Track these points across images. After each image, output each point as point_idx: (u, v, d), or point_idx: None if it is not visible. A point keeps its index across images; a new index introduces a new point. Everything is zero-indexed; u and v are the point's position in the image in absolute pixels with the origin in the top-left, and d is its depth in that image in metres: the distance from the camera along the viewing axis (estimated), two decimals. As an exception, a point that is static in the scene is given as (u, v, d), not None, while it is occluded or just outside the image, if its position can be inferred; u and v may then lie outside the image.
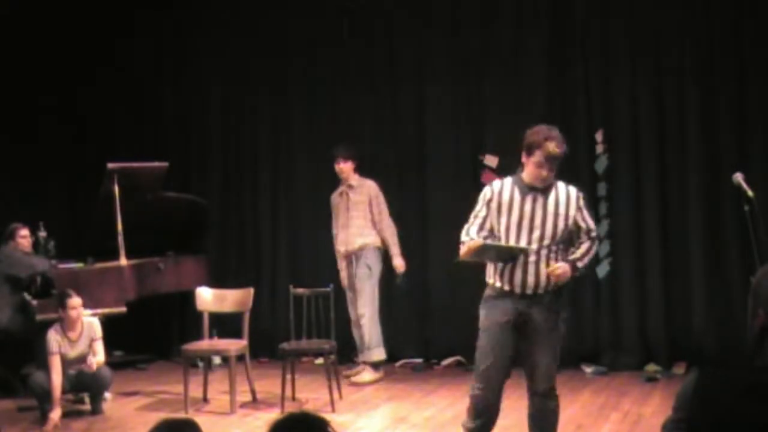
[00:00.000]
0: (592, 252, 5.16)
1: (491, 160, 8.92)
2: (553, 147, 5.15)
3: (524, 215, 5.08)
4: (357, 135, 9.23)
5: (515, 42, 8.84)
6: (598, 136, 8.59)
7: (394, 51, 9.24)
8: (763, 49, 8.03)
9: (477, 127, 9.00)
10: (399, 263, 8.45)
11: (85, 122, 9.96)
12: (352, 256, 8.45)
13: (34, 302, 7.95)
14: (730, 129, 8.21)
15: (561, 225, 5.05)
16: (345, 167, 8.43)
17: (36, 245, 8.42)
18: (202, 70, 9.79)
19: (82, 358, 7.26)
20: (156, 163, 8.61)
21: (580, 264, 5.07)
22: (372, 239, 8.42)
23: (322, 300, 7.65)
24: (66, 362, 7.22)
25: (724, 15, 8.18)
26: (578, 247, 5.11)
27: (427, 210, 9.16)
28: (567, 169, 8.65)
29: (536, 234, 5.02)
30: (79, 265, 8.40)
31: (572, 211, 5.10)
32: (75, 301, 7.24)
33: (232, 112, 9.71)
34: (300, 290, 7.93)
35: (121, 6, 9.80)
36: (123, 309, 8.13)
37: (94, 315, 7.74)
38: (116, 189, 8.17)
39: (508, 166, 8.82)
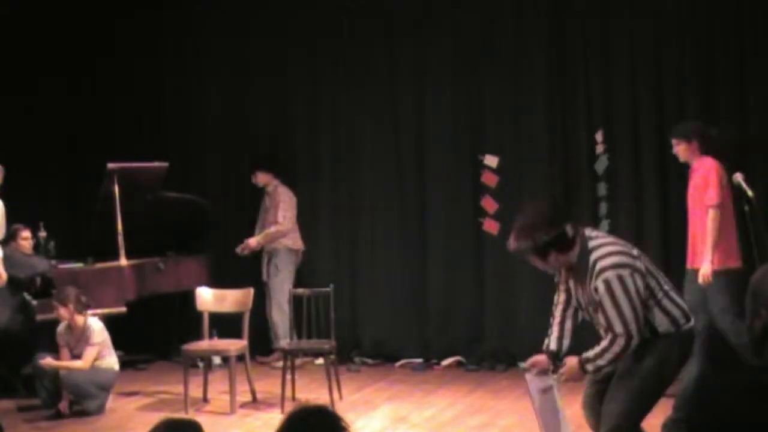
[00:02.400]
0: (613, 351, 4.41)
1: (491, 160, 8.92)
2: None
3: (570, 292, 4.75)
4: (357, 134, 9.23)
5: (515, 42, 8.83)
6: (598, 137, 8.58)
7: (393, 50, 9.23)
8: (763, 49, 8.02)
9: (477, 127, 8.99)
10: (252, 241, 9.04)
11: (86, 121, 9.94)
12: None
13: (35, 302, 7.97)
14: (732, 128, 8.19)
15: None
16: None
17: (36, 246, 8.42)
18: (203, 69, 9.78)
19: (78, 357, 7.40)
20: (156, 163, 8.62)
21: (589, 366, 4.48)
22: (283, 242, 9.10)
23: (322, 300, 7.65)
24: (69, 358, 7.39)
25: (724, 15, 8.18)
26: (598, 343, 4.51)
27: (426, 210, 9.15)
28: (568, 169, 8.74)
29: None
30: (79, 265, 8.40)
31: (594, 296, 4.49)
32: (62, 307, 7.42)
33: (231, 112, 9.70)
34: (299, 290, 7.93)
35: (122, 4, 9.80)
36: (123, 309, 8.14)
37: (93, 315, 7.78)
38: (116, 189, 8.17)
39: (508, 166, 8.91)
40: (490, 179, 8.94)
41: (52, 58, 9.71)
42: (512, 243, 4.50)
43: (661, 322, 4.41)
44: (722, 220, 6.77)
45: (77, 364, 7.37)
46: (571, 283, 4.59)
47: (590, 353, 4.44)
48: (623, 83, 8.50)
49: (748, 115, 8.12)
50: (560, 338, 4.69)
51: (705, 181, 6.79)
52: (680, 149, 7.03)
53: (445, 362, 9.03)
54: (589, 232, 4.52)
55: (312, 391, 7.89)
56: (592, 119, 8.61)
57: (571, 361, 4.51)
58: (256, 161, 9.25)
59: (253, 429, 6.95)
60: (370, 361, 9.09)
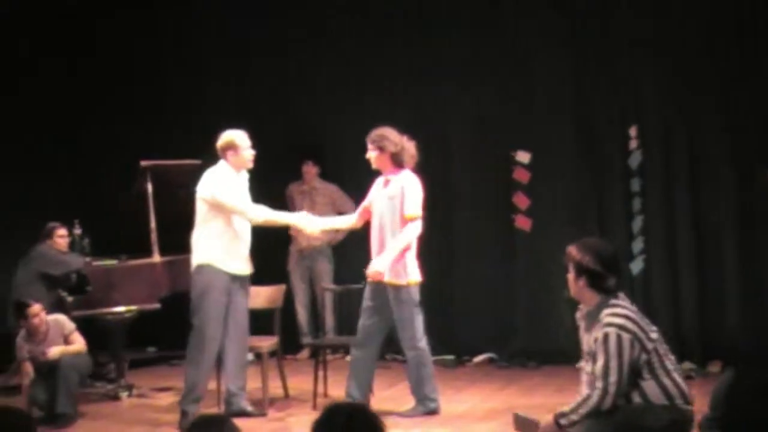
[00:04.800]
0: (587, 405, 4.41)
1: (523, 156, 8.89)
2: None
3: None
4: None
5: (547, 35, 8.81)
6: (632, 132, 8.54)
7: (423, 44, 9.22)
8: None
9: (508, 122, 8.96)
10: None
11: (120, 119, 10.00)
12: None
13: (70, 299, 8.05)
14: (763, 123, 8.14)
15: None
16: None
17: (72, 243, 8.50)
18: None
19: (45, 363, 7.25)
20: (188, 161, 8.65)
21: (563, 420, 4.45)
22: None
23: (356, 296, 7.65)
24: (41, 364, 7.22)
25: (756, 8, 8.10)
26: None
27: (458, 207, 9.14)
28: (601, 165, 8.69)
29: None
30: (113, 262, 8.46)
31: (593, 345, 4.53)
32: (35, 309, 7.26)
33: (251, 109, 9.67)
34: (332, 287, 7.95)
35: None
36: (156, 305, 8.19)
37: (125, 312, 7.88)
38: (149, 186, 8.22)
39: (541, 162, 8.88)
40: (522, 175, 8.91)
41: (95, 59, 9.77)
42: (571, 246, 4.66)
43: (654, 394, 4.42)
44: None
45: (75, 347, 7.30)
46: (582, 328, 4.66)
47: (566, 408, 4.48)
48: (657, 77, 8.46)
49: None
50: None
51: None
52: None
53: (477, 359, 9.03)
54: (622, 298, 4.57)
55: (344, 388, 7.88)
56: (626, 114, 8.57)
57: (546, 418, 4.54)
58: (308, 153, 9.26)
59: (286, 425, 6.97)
60: (401, 358, 9.06)
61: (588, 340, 4.56)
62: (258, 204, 7.05)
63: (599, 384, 4.37)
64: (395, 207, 6.77)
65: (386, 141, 6.83)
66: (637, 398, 4.42)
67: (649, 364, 4.42)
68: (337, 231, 8.27)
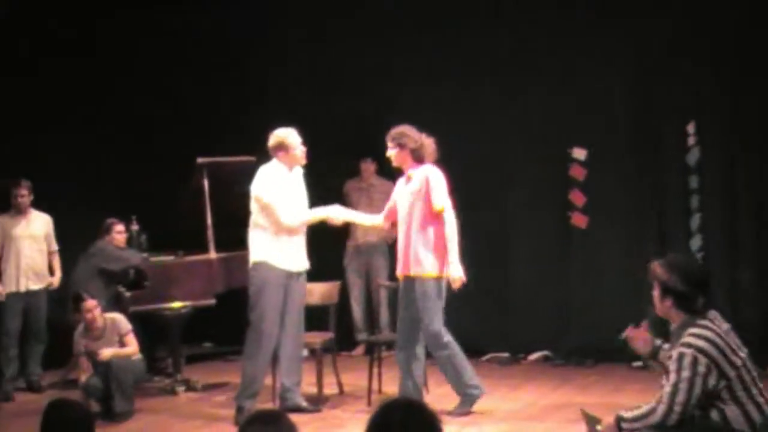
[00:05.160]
0: (648, 420, 4.34)
1: (579, 153, 8.83)
2: None
3: None
4: (442, 128, 9.17)
5: (603, 33, 8.73)
6: (690, 128, 8.43)
7: (479, 40, 9.18)
8: None
9: (565, 119, 8.90)
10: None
11: (177, 116, 10.09)
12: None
13: (128, 294, 8.15)
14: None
15: None
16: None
17: (129, 239, 8.61)
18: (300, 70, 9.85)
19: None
20: (244, 157, 8.70)
21: (625, 425, 4.40)
22: None
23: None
24: (95, 361, 7.30)
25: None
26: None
27: (513, 203, 9.10)
28: (658, 161, 8.60)
29: None
30: (170, 258, 8.55)
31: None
32: (89, 304, 7.35)
33: (310, 105, 9.69)
34: (386, 283, 7.95)
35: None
36: (212, 301, 8.25)
37: (182, 308, 7.95)
38: (205, 183, 8.29)
39: (597, 159, 8.80)
40: (578, 172, 8.84)
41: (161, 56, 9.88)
42: (656, 264, 4.52)
43: (735, 418, 4.29)
44: None
45: (128, 350, 7.38)
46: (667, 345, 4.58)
47: (628, 414, 4.42)
48: (715, 73, 8.35)
49: None
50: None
51: None
52: None
53: (532, 356, 8.99)
54: (712, 317, 4.41)
55: (398, 385, 7.90)
56: (683, 110, 8.47)
57: (609, 419, 4.49)
58: (366, 150, 9.28)
59: (341, 421, 6.99)
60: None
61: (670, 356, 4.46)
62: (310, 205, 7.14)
63: (665, 401, 4.29)
64: (419, 201, 6.76)
65: (406, 138, 6.87)
66: (716, 417, 4.32)
67: (729, 390, 4.30)
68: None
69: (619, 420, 4.43)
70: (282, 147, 7.03)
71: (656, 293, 4.48)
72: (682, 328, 4.39)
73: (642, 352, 4.71)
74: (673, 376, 4.29)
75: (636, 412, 4.42)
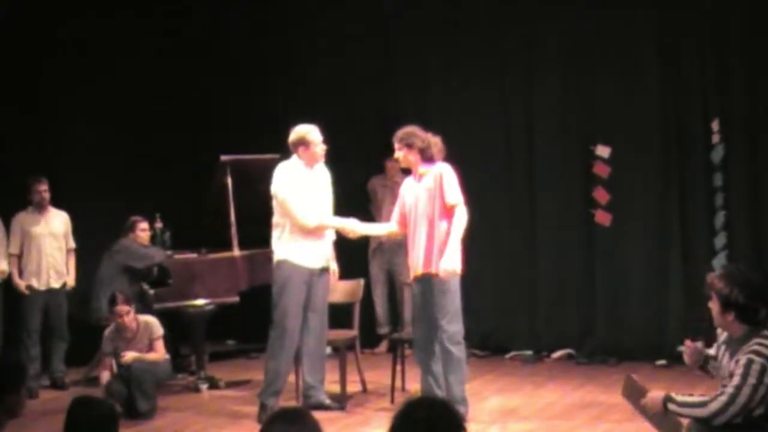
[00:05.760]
0: (697, 411, 4.32)
1: (603, 151, 8.79)
2: None
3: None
4: (466, 126, 9.17)
5: (627, 31, 8.69)
6: (714, 125, 8.38)
7: (502, 39, 9.16)
8: None
9: (588, 117, 8.87)
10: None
11: (200, 115, 10.12)
12: None
13: (152, 291, 8.18)
14: None
15: None
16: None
17: (153, 237, 8.64)
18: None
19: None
20: (268, 155, 8.72)
21: (672, 406, 4.38)
22: None
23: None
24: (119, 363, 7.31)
25: None
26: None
27: (537, 201, 9.08)
28: (682, 159, 8.55)
29: None
30: (194, 255, 8.58)
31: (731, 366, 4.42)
32: (121, 308, 7.32)
33: (332, 103, 9.70)
34: (410, 281, 7.93)
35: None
36: (235, 298, 8.27)
37: (206, 305, 7.97)
38: (229, 181, 8.30)
39: (621, 157, 8.76)
40: (602, 170, 8.81)
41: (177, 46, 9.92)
42: (713, 277, 4.47)
43: None
44: None
45: (154, 355, 7.34)
46: (722, 350, 4.52)
47: (679, 397, 4.41)
48: (739, 70, 8.29)
49: None
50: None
51: None
52: None
53: (555, 355, 8.96)
54: None
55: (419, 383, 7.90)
56: (707, 108, 8.42)
57: (657, 394, 4.47)
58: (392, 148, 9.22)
59: (365, 419, 7.00)
60: (478, 352, 9.06)
61: (729, 363, 4.41)
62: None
63: (723, 400, 4.25)
64: (432, 197, 6.71)
65: (413, 138, 6.83)
66: None
67: None
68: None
69: (667, 400, 4.40)
70: (303, 142, 7.04)
71: (716, 307, 4.41)
72: (744, 340, 4.35)
73: (690, 365, 4.70)
74: (737, 380, 4.25)
75: (687, 399, 4.40)
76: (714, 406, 4.27)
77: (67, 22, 9.17)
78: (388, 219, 7.59)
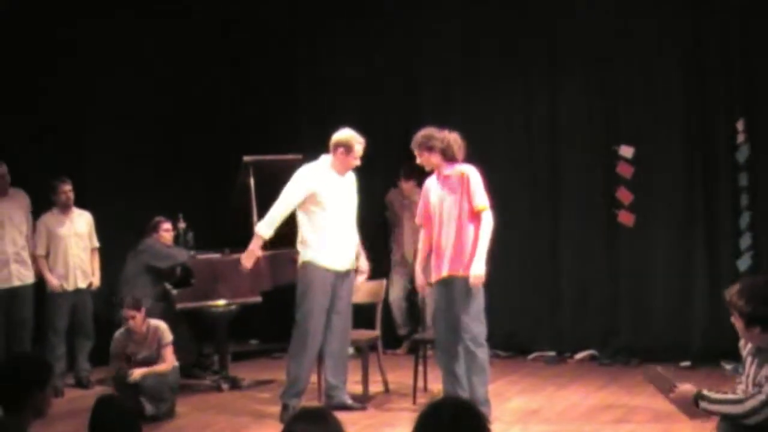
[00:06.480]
0: (730, 409, 4.28)
1: (627, 151, 8.76)
2: None
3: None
4: (490, 127, 9.16)
5: (650, 31, 8.65)
6: (739, 125, 8.33)
7: (524, 39, 9.14)
8: None
9: (612, 117, 8.84)
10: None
11: (223, 115, 10.16)
12: None
13: (174, 291, 8.20)
14: None
15: None
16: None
17: (176, 237, 8.67)
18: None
19: (149, 361, 7.27)
20: (290, 156, 8.73)
21: (703, 404, 4.33)
22: None
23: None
24: (133, 364, 7.25)
25: None
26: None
27: (560, 201, 9.05)
28: (706, 159, 8.50)
29: None
30: (217, 255, 8.60)
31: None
32: (129, 312, 7.27)
33: (359, 108, 9.70)
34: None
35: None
36: (258, 298, 8.29)
37: (228, 305, 8.02)
38: (251, 181, 8.32)
39: (644, 157, 8.72)
40: (625, 170, 8.77)
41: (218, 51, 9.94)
42: (732, 295, 4.38)
43: None
44: None
45: (162, 367, 7.24)
46: (749, 359, 4.46)
47: (711, 394, 4.35)
48: (764, 70, 8.24)
49: None
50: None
51: None
52: None
53: (578, 356, 8.93)
54: None
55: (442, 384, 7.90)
56: (732, 108, 8.37)
57: (687, 388, 4.42)
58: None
59: (387, 419, 7.00)
60: (501, 353, 9.03)
61: (756, 370, 4.35)
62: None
63: (761, 398, 4.19)
64: (459, 200, 6.68)
65: (432, 140, 6.76)
66: None
67: None
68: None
69: (698, 396, 4.35)
70: (346, 146, 7.00)
71: (739, 324, 4.36)
72: None
73: (690, 418, 4.57)
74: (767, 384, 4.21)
75: (719, 395, 4.34)
76: (750, 404, 4.20)
77: (77, 22, 9.16)
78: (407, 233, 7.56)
